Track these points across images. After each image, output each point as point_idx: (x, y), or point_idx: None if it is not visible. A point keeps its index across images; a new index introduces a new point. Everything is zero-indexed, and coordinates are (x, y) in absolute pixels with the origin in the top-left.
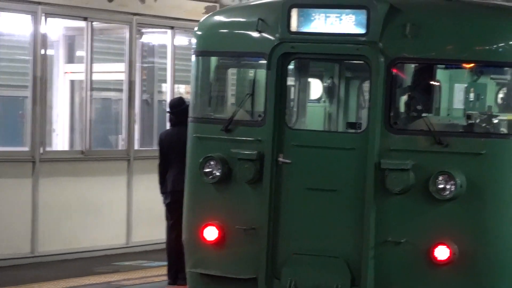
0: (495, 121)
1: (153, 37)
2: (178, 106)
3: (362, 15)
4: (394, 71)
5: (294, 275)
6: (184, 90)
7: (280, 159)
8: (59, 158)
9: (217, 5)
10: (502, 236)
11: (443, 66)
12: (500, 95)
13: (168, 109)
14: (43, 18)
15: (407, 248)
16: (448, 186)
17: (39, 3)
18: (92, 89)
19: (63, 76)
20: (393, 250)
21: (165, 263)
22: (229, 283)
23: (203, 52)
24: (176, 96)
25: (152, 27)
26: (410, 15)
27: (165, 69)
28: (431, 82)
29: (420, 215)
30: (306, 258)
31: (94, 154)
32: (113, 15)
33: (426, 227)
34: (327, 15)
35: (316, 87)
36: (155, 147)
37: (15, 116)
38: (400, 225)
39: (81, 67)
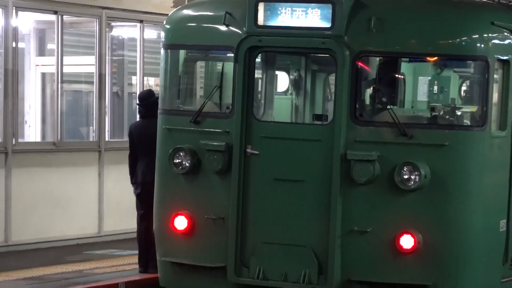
0: (458, 113)
1: (122, 30)
2: (148, 99)
3: (328, 9)
4: (359, 64)
5: (262, 263)
6: (153, 83)
7: (248, 150)
8: (31, 149)
9: None
10: (465, 226)
11: (407, 59)
12: (463, 88)
13: (137, 102)
14: (14, 11)
15: (372, 237)
16: (412, 177)
17: None
18: (63, 81)
19: (34, 69)
20: (359, 239)
21: (136, 252)
22: (199, 271)
23: (171, 46)
24: (145, 88)
25: (122, 21)
26: (375, 10)
27: (135, 62)
28: (396, 75)
29: (385, 205)
30: (274, 247)
31: (66, 145)
32: (82, 9)
33: (391, 217)
34: (293, 9)
35: (283, 80)
36: (126, 138)
37: None
38: (365, 215)
39: (52, 59)
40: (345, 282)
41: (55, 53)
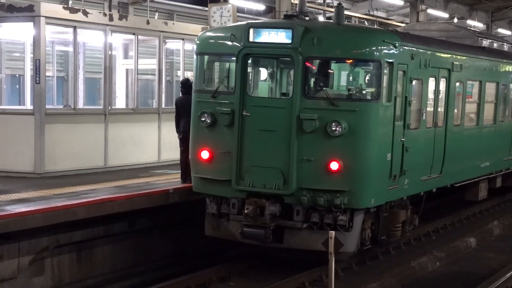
0: (364, 92)
1: (172, 44)
2: (186, 83)
3: (289, 32)
4: (307, 64)
5: (252, 178)
6: (190, 74)
7: (244, 113)
8: (119, 112)
9: (208, 26)
10: (367, 156)
11: (335, 61)
12: (367, 78)
13: (180, 85)
14: (110, 33)
15: (315, 163)
16: (337, 128)
17: (107, 25)
18: (138, 73)
19: (122, 66)
20: (307, 164)
21: (179, 171)
22: (215, 182)
23: (200, 53)
24: (185, 77)
25: (172, 39)
26: (316, 33)
27: (179, 63)
28: (328, 71)
29: (322, 145)
30: (259, 168)
31: (139, 110)
32: (149, 32)
33: (325, 152)
34: (270, 32)
35: (264, 73)
36: (173, 106)
37: (94, 89)
38: (310, 150)
39: (131, 61)
40: (299, 189)
41: (134, 57)
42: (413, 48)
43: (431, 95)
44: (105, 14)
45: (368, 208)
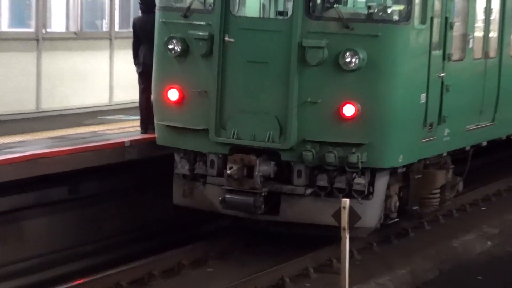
0: (389, 11)
1: None
2: None
3: None
4: None
5: (237, 127)
6: None
7: (226, 38)
8: (57, 37)
9: None
10: (392, 98)
11: None
12: None
13: (139, 1)
14: None
15: (322, 106)
16: (353, 60)
17: None
18: None
19: None
20: (311, 108)
21: (139, 117)
22: (187, 132)
23: None
24: None
25: None
26: None
27: None
28: None
29: (332, 82)
30: (246, 114)
31: (84, 35)
32: None
33: (336, 91)
34: None
35: None
36: (131, 30)
37: (23, 6)
38: (316, 90)
39: None
40: (300, 142)
41: None
42: None
43: (480, 15)
44: None
45: (394, 168)
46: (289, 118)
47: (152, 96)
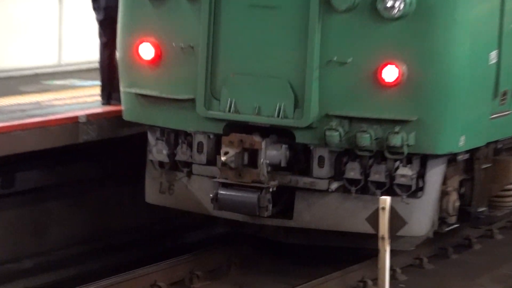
0: None
1: None
2: None
3: None
4: None
5: (234, 96)
6: None
7: None
8: None
9: None
10: (451, 57)
11: None
12: None
13: None
14: None
15: (353, 69)
16: (396, 4)
17: None
18: None
19: None
20: (338, 71)
21: (98, 83)
22: (166, 104)
23: None
24: None
25: None
26: None
27: None
28: None
29: (367, 35)
30: (247, 78)
31: None
32: None
33: (373, 47)
34: None
35: None
36: None
37: None
38: (345, 45)
39: None
40: (323, 117)
41: None
42: None
43: None
44: None
45: (453, 155)
46: (307, 84)
47: (118, 54)
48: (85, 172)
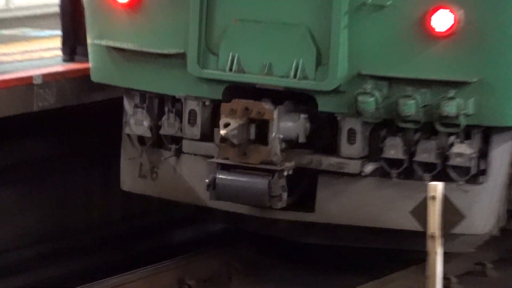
0: None
1: None
2: None
3: None
4: None
5: (237, 49)
6: None
7: None
8: None
9: None
10: None
11: None
12: None
13: None
14: None
15: (393, 14)
16: None
17: None
18: None
19: None
20: (373, 17)
21: (59, 32)
22: (148, 60)
23: None
24: None
25: None
26: None
27: None
28: None
29: None
30: (254, 26)
31: None
32: None
33: None
34: None
35: None
36: None
37: None
38: None
39: None
40: (354, 77)
41: None
42: None
43: None
44: None
45: None
46: (333, 34)
47: None
48: (41, 151)
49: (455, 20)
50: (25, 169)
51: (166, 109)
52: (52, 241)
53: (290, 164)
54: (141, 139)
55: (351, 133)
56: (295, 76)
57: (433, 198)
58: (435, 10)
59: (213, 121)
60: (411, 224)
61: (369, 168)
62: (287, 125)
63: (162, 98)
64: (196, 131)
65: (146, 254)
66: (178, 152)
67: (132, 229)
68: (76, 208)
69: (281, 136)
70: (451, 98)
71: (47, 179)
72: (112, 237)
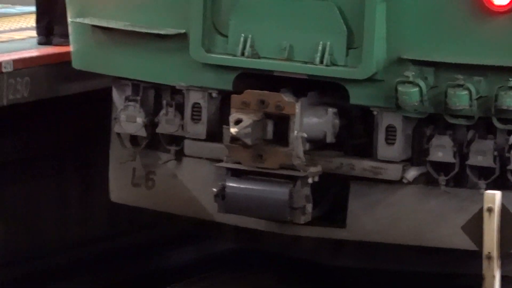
0: None
1: None
2: None
3: None
4: None
5: (251, 29)
6: None
7: None
8: None
9: None
10: None
11: None
12: None
13: None
14: None
15: None
16: None
17: None
18: None
19: None
20: None
21: (32, 8)
22: (142, 42)
23: None
24: None
25: None
26: None
27: None
28: None
29: None
30: (269, 1)
31: None
32: None
33: None
34: None
35: None
36: None
37: None
38: None
39: None
40: (393, 63)
41: None
42: None
43: None
44: None
45: None
46: (368, 10)
47: None
48: (8, 152)
49: None
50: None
51: (164, 102)
52: (19, 264)
53: (315, 169)
54: (134, 139)
55: (390, 131)
56: (321, 61)
57: (490, 210)
58: None
59: (222, 116)
60: (463, 242)
61: (412, 174)
62: (311, 121)
63: (159, 89)
64: (201, 129)
65: (136, 280)
66: (179, 155)
67: (119, 248)
68: (48, 222)
69: (305, 135)
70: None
71: (13, 186)
72: (93, 259)
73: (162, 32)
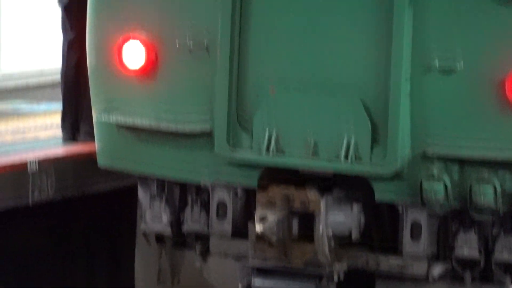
0: None
1: None
2: None
3: None
4: None
5: (275, 124)
6: None
7: None
8: None
9: None
10: None
11: None
12: None
13: None
14: None
15: (465, 79)
16: None
17: None
18: None
19: None
20: (441, 83)
21: (58, 106)
22: (166, 139)
23: None
24: None
25: None
26: None
27: None
28: None
29: (488, 25)
30: (296, 96)
31: None
32: None
33: (498, 45)
34: None
35: None
36: None
37: None
38: (453, 41)
39: None
40: (418, 158)
41: None
42: None
43: None
44: None
45: None
46: (392, 104)
47: (88, 60)
48: (33, 249)
49: None
50: (14, 263)
51: (189, 200)
52: None
53: (341, 266)
54: (160, 237)
55: (416, 228)
56: (346, 157)
57: None
58: None
59: (247, 213)
60: None
61: (438, 270)
62: (337, 218)
63: (184, 187)
64: (226, 226)
65: None
66: (205, 253)
67: None
68: None
69: (330, 232)
70: None
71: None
72: None
73: (186, 129)
